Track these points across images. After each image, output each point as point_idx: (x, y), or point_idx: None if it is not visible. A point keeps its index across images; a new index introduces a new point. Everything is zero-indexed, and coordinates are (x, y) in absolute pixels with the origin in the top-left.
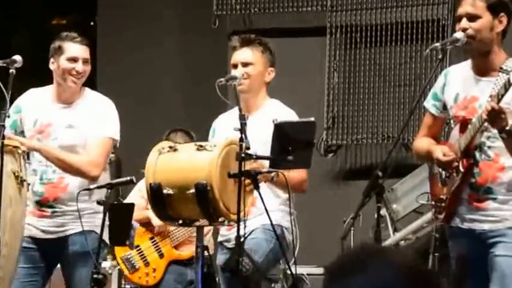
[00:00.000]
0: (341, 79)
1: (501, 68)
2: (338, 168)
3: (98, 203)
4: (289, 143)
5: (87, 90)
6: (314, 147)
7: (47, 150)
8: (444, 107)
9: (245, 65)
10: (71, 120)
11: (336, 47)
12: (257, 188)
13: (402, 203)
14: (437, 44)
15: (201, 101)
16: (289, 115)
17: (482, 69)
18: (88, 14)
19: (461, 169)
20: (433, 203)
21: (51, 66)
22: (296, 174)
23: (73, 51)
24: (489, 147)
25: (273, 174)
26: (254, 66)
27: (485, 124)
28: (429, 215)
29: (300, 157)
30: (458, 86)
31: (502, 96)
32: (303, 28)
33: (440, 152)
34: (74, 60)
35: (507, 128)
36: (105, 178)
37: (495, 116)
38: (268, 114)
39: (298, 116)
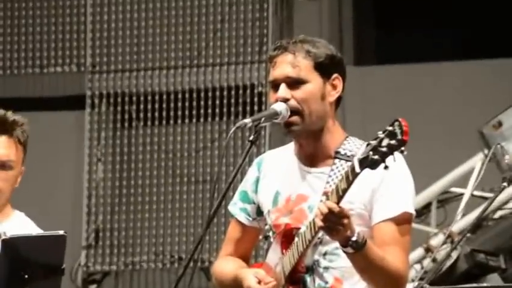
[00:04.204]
0: (108, 173)
1: (338, 153)
2: None
3: None
4: (25, 269)
5: None
6: (65, 275)
7: None
8: (259, 211)
9: None
10: None
11: (100, 124)
12: None
13: None
14: (247, 120)
15: None
16: (30, 229)
17: (312, 155)
18: None
19: None
20: None
21: None
22: None
23: None
24: (326, 268)
25: None
26: None
27: (320, 234)
28: None
29: None
30: (278, 181)
31: (344, 192)
32: (55, 97)
33: (252, 278)
34: None
35: (353, 238)
36: None
37: (334, 222)
38: None
39: (42, 230)
